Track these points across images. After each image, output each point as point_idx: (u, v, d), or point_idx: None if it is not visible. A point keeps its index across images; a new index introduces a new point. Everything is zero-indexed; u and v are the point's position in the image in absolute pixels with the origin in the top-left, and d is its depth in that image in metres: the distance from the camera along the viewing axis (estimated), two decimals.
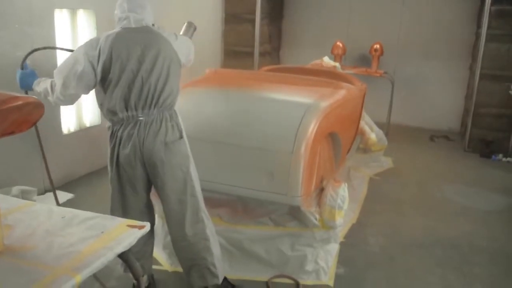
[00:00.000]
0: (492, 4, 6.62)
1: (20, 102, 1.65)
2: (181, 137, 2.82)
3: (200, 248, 2.91)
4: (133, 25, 2.76)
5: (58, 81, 2.71)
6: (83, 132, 5.27)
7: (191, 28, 3.46)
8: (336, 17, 8.77)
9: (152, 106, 2.72)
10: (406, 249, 4.01)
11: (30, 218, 2.01)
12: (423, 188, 5.49)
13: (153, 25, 2.87)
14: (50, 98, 2.79)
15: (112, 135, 2.79)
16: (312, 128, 3.33)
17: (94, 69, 2.66)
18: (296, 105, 3.60)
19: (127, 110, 2.71)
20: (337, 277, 3.50)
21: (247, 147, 3.37)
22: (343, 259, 3.71)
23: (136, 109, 2.71)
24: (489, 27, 6.69)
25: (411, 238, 4.21)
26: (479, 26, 7.33)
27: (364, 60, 8.25)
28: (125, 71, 2.66)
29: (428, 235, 4.29)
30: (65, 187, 4.91)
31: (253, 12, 8.13)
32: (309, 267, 3.49)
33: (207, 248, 2.92)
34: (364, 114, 5.67)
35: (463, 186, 5.63)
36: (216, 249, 3.00)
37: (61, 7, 4.84)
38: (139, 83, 2.69)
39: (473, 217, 4.74)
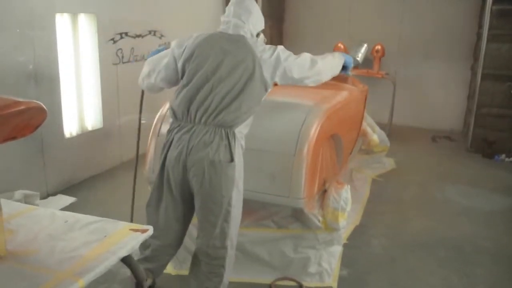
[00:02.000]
0: (493, 4, 6.61)
1: (22, 107, 1.65)
2: (231, 160, 2.62)
3: (213, 271, 2.81)
4: (230, 31, 2.71)
5: (145, 68, 2.83)
6: (85, 136, 5.28)
7: (361, 47, 3.39)
8: (337, 19, 8.78)
9: (211, 118, 2.59)
10: (409, 250, 4.00)
11: (32, 223, 2.01)
12: (426, 189, 5.48)
13: (258, 34, 2.80)
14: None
15: (168, 133, 2.73)
16: (314, 130, 3.32)
17: (176, 65, 2.69)
18: (298, 107, 3.59)
19: (187, 113, 2.64)
20: (341, 279, 3.50)
21: (249, 149, 3.36)
22: (346, 261, 3.70)
23: (195, 115, 2.62)
24: (490, 27, 6.68)
25: (413, 239, 4.20)
26: (480, 26, 7.32)
27: (365, 62, 8.24)
28: (199, 73, 2.62)
29: (430, 236, 4.29)
30: (67, 191, 4.91)
31: None
32: (313, 269, 3.48)
33: (220, 274, 2.82)
34: (366, 115, 5.67)
35: (466, 186, 5.61)
36: (226, 279, 2.89)
37: (62, 11, 4.85)
38: (208, 90, 2.60)
39: (476, 218, 4.73)
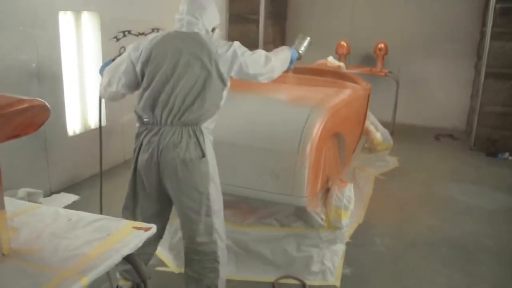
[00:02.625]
0: (497, 2, 6.59)
1: (25, 105, 1.65)
2: (202, 156, 2.64)
3: (207, 267, 2.81)
4: (184, 29, 2.70)
5: (104, 78, 2.80)
6: (88, 134, 5.28)
7: (304, 40, 3.38)
8: (340, 17, 8.77)
9: (176, 118, 2.60)
10: (412, 248, 3.99)
11: (36, 221, 2.01)
12: (429, 188, 5.47)
13: (213, 29, 2.79)
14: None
15: (137, 137, 2.73)
16: (317, 128, 3.32)
17: (135, 70, 2.68)
18: (301, 105, 3.59)
19: (153, 116, 2.64)
20: (344, 277, 3.49)
21: (252, 148, 3.37)
22: (349, 259, 3.70)
23: (161, 117, 2.62)
24: (494, 25, 6.66)
25: (416, 237, 4.20)
26: (484, 24, 7.29)
27: (368, 60, 8.22)
28: (158, 75, 2.61)
29: (433, 234, 4.28)
30: (70, 189, 4.92)
31: (257, 13, 8.13)
32: (315, 267, 3.48)
33: (215, 269, 2.81)
34: (369, 113, 5.66)
35: (469, 185, 5.60)
36: (223, 273, 2.88)
37: (65, 9, 4.85)
38: (169, 90, 2.60)
39: (479, 216, 4.72)
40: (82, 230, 1.94)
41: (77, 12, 5.04)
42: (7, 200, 1.79)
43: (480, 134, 7.04)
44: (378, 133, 5.86)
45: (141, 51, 2.66)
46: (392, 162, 6.20)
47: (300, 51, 3.38)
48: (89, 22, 5.20)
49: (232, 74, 2.70)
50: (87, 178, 5.22)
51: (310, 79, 4.73)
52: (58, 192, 4.83)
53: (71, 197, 4.72)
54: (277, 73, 2.95)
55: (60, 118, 4.86)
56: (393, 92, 7.72)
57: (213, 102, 2.67)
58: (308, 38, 3.39)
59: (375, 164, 5.95)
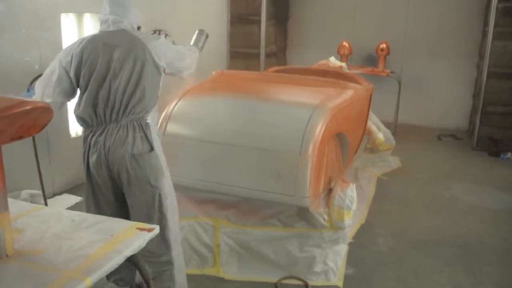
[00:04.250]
0: (499, 2, 6.59)
1: (28, 107, 1.66)
2: (151, 149, 2.63)
3: (162, 271, 2.77)
4: (111, 28, 2.70)
5: (38, 91, 2.74)
6: None
7: (203, 36, 3.39)
8: (342, 17, 8.77)
9: (120, 113, 2.59)
10: (415, 248, 3.99)
11: (39, 222, 2.02)
12: (431, 187, 5.47)
13: (139, 27, 2.81)
14: None
15: (84, 141, 2.71)
16: (319, 128, 3.32)
17: (69, 76, 2.66)
18: (303, 106, 3.59)
19: (96, 117, 2.62)
20: (346, 277, 3.49)
21: (254, 149, 3.37)
22: (352, 259, 3.70)
23: (104, 116, 2.60)
24: (496, 25, 6.66)
25: (419, 237, 4.19)
26: (486, 24, 7.29)
27: (370, 60, 8.22)
28: (94, 75, 2.60)
29: (436, 234, 4.28)
30: (73, 190, 4.92)
31: (259, 14, 8.13)
32: (318, 268, 3.48)
33: (170, 273, 2.77)
34: (371, 113, 5.66)
35: (471, 185, 5.60)
36: (180, 277, 2.83)
37: (67, 11, 4.86)
38: (107, 88, 2.59)
39: (482, 216, 4.72)
40: (85, 231, 1.94)
41: (79, 14, 5.05)
42: (10, 201, 1.79)
43: (482, 134, 7.03)
44: (380, 133, 5.85)
45: (72, 56, 2.65)
46: (394, 162, 6.19)
47: (199, 47, 3.40)
48: (91, 23, 5.21)
49: (164, 64, 2.71)
50: None
51: (312, 80, 4.73)
52: (61, 193, 4.84)
53: (74, 199, 4.72)
54: (194, 70, 3.00)
55: (63, 120, 4.86)
56: (395, 92, 7.72)
57: (153, 91, 2.67)
58: (206, 33, 3.40)
59: (377, 164, 5.94)
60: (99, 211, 2.78)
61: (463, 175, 5.96)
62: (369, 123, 5.62)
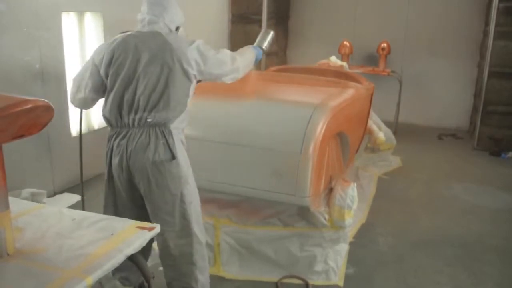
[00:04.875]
0: (500, 1, 6.57)
1: (29, 106, 1.66)
2: (173, 158, 2.56)
3: (184, 272, 2.76)
4: (145, 29, 2.67)
5: (72, 86, 2.77)
6: (91, 135, 5.29)
7: (267, 35, 3.32)
8: (343, 16, 8.76)
9: (143, 119, 2.55)
10: (415, 248, 3.99)
11: (40, 221, 2.02)
12: (432, 187, 5.47)
13: (177, 28, 2.75)
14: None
15: (108, 141, 2.69)
16: (320, 128, 3.32)
17: (99, 73, 2.64)
18: (304, 105, 3.59)
19: (120, 119, 2.59)
20: (347, 277, 3.49)
21: (255, 148, 3.36)
22: (352, 259, 3.70)
23: (128, 119, 2.57)
24: (497, 24, 6.65)
25: (420, 237, 4.19)
26: (487, 23, 7.28)
27: (371, 59, 8.22)
28: (121, 76, 2.56)
29: (437, 233, 4.28)
30: (74, 189, 4.93)
31: (260, 13, 8.12)
32: (319, 267, 3.48)
33: (192, 272, 2.76)
34: (372, 113, 5.66)
35: (472, 184, 5.59)
36: (203, 276, 2.81)
37: (68, 10, 4.86)
38: (132, 91, 2.55)
39: (483, 216, 4.71)
40: (86, 230, 1.94)
41: (80, 13, 5.06)
42: (11, 200, 1.79)
43: (483, 134, 7.02)
44: (381, 133, 5.85)
45: (104, 54, 2.63)
46: (395, 161, 6.19)
47: (264, 47, 3.36)
48: (92, 22, 5.22)
49: (195, 72, 2.63)
50: (91, 179, 5.23)
51: (313, 79, 4.73)
52: (61, 192, 4.84)
53: (75, 197, 4.73)
54: (242, 73, 2.93)
55: (64, 119, 4.87)
56: (396, 92, 7.72)
57: (179, 100, 2.60)
58: (272, 33, 3.36)
59: (378, 164, 5.94)
60: (116, 212, 2.75)
61: (463, 174, 5.96)
62: (370, 122, 5.61)
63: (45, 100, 1.73)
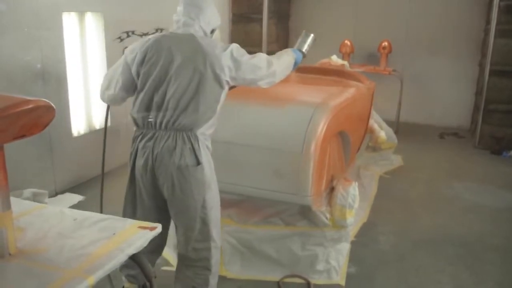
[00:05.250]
0: (501, 0, 6.57)
1: (31, 106, 1.66)
2: (198, 163, 2.54)
3: (198, 273, 2.76)
4: (179, 31, 2.63)
5: (103, 81, 2.76)
6: (93, 135, 5.30)
7: (308, 38, 3.27)
8: (344, 16, 8.76)
9: (171, 123, 2.52)
10: (417, 247, 3.99)
11: (41, 221, 2.02)
12: (433, 186, 5.46)
13: (212, 31, 2.72)
14: None
15: (133, 142, 2.65)
16: (321, 127, 3.32)
17: (131, 71, 2.63)
18: (305, 104, 3.59)
19: (148, 119, 2.57)
20: (349, 276, 3.49)
21: (256, 147, 3.37)
22: (354, 258, 3.70)
23: (155, 121, 2.55)
24: (498, 23, 6.64)
25: (421, 236, 4.19)
26: (488, 21, 7.28)
27: (372, 58, 8.22)
28: (152, 77, 2.54)
29: (438, 233, 4.27)
30: (75, 189, 4.93)
31: (260, 12, 8.13)
32: (320, 266, 3.48)
33: (206, 278, 2.76)
34: (373, 112, 5.65)
35: (474, 183, 5.59)
36: (213, 280, 2.82)
37: (69, 10, 4.86)
38: (162, 94, 2.52)
39: (484, 215, 4.71)
40: (88, 230, 1.94)
41: (81, 13, 5.06)
42: (13, 200, 1.79)
43: (484, 132, 7.02)
44: (382, 132, 5.84)
45: (136, 53, 2.61)
46: (396, 160, 6.19)
47: (304, 50, 3.32)
48: (93, 22, 5.22)
49: (228, 78, 2.59)
50: (92, 178, 5.24)
51: (314, 78, 4.73)
52: (63, 192, 4.85)
53: (76, 198, 4.73)
54: (279, 77, 2.88)
55: (65, 119, 4.87)
56: (397, 91, 7.71)
57: (209, 106, 2.57)
58: (312, 35, 3.32)
59: (380, 163, 5.94)
60: (135, 213, 2.74)
61: (465, 173, 5.95)
62: (371, 121, 5.61)
63: (46, 100, 1.73)
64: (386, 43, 7.71)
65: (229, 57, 2.57)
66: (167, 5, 6.13)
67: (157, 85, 2.54)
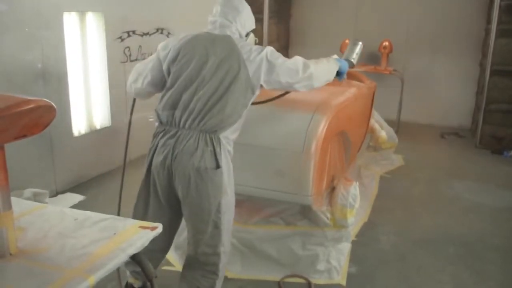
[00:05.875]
0: None
1: (31, 105, 1.66)
2: (217, 166, 2.50)
3: (206, 277, 2.73)
4: (216, 31, 2.62)
5: (133, 74, 2.76)
6: (93, 134, 5.30)
7: (356, 47, 3.19)
8: (344, 15, 8.76)
9: (195, 123, 2.48)
10: (418, 247, 3.99)
11: (42, 221, 2.02)
12: (434, 186, 5.46)
13: (247, 34, 2.71)
14: None
15: (154, 138, 2.63)
16: (322, 127, 3.32)
17: (162, 68, 2.62)
18: (306, 104, 3.59)
19: (172, 118, 2.54)
20: (349, 276, 3.49)
21: (257, 147, 3.37)
22: (355, 258, 3.70)
23: (180, 119, 2.52)
24: (499, 22, 6.64)
25: (422, 235, 4.19)
26: (489, 21, 7.27)
27: (373, 58, 8.21)
28: (183, 75, 2.52)
29: (439, 232, 4.27)
30: (76, 189, 4.93)
31: (261, 12, 8.13)
32: (321, 266, 3.48)
33: (213, 281, 2.74)
34: (374, 112, 5.66)
35: (474, 183, 5.59)
36: (219, 284, 2.79)
37: (70, 10, 4.86)
38: (192, 93, 2.50)
39: (485, 214, 4.71)
40: (89, 230, 1.94)
41: (82, 13, 5.06)
42: (13, 200, 1.79)
43: (485, 132, 7.01)
44: (383, 132, 5.85)
45: (170, 50, 2.60)
46: (397, 160, 6.18)
47: (352, 59, 3.25)
48: (94, 22, 5.22)
49: (262, 82, 2.57)
50: (93, 178, 5.24)
51: None
52: (63, 192, 4.85)
53: (77, 197, 4.73)
54: (318, 82, 2.80)
55: (65, 119, 4.87)
56: (398, 90, 7.71)
57: (236, 109, 2.54)
58: (360, 43, 3.26)
59: (380, 163, 5.94)
60: (146, 210, 2.73)
61: (466, 173, 5.95)
62: (372, 121, 5.61)
63: (47, 100, 1.73)
64: (387, 43, 7.72)
65: (265, 60, 2.54)
66: (167, 5, 6.15)
67: (187, 84, 2.53)
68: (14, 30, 4.20)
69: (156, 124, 2.66)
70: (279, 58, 2.59)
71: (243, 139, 3.43)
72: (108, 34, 5.30)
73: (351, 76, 5.19)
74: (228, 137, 2.58)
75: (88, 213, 2.11)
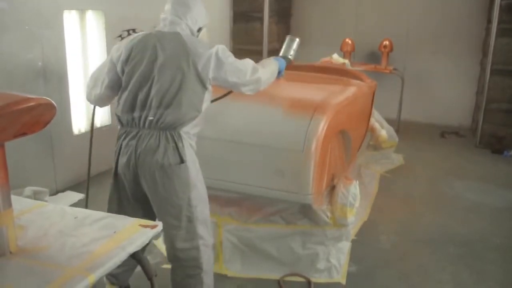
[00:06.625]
0: None
1: (32, 103, 1.66)
2: (181, 161, 2.52)
3: (191, 274, 2.72)
4: (166, 29, 2.63)
5: (90, 81, 2.75)
6: (94, 132, 5.28)
7: (293, 43, 3.24)
8: (345, 14, 8.76)
9: (154, 121, 2.50)
10: (418, 246, 3.99)
11: (42, 219, 2.02)
12: (434, 185, 5.46)
13: (199, 29, 2.71)
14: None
15: (117, 140, 2.66)
16: (322, 126, 3.31)
17: (116, 70, 2.62)
18: (306, 103, 3.58)
19: (132, 119, 2.55)
20: (349, 275, 3.49)
21: (257, 146, 3.36)
22: (355, 257, 3.70)
23: (139, 120, 2.53)
24: (499, 22, 6.63)
25: (422, 235, 4.19)
26: (489, 20, 7.26)
27: (373, 57, 8.21)
28: (136, 76, 2.53)
29: (439, 232, 4.27)
30: (76, 188, 4.93)
31: (262, 11, 8.13)
32: (321, 265, 3.48)
33: (198, 276, 2.71)
34: (374, 111, 5.65)
35: (475, 182, 5.59)
36: (208, 278, 2.77)
37: (70, 8, 4.86)
38: (146, 93, 2.51)
39: (485, 214, 4.71)
40: (89, 228, 1.95)
41: (82, 11, 5.06)
42: (13, 198, 1.79)
43: (485, 131, 7.01)
44: (383, 131, 5.84)
45: (121, 51, 2.60)
46: (397, 159, 6.18)
47: (290, 56, 3.29)
48: (94, 21, 5.22)
49: (210, 77, 2.57)
50: (93, 177, 5.21)
51: (314, 77, 4.72)
52: (63, 190, 4.85)
53: (77, 196, 4.73)
54: (264, 85, 2.83)
55: (66, 117, 4.87)
56: (398, 90, 7.71)
57: (192, 106, 2.55)
58: (297, 40, 3.30)
59: (380, 162, 5.93)
60: (120, 208, 2.73)
61: (466, 172, 5.95)
62: (372, 120, 5.61)
63: (47, 98, 1.73)
64: (387, 42, 7.71)
65: (214, 57, 2.55)
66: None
67: (141, 83, 2.53)
68: (14, 28, 4.20)
69: (119, 126, 2.67)
70: (230, 57, 2.60)
71: (243, 138, 3.44)
72: (108, 33, 5.30)
73: (351, 75, 5.19)
74: (189, 132, 2.59)
75: (88, 211, 2.12)
